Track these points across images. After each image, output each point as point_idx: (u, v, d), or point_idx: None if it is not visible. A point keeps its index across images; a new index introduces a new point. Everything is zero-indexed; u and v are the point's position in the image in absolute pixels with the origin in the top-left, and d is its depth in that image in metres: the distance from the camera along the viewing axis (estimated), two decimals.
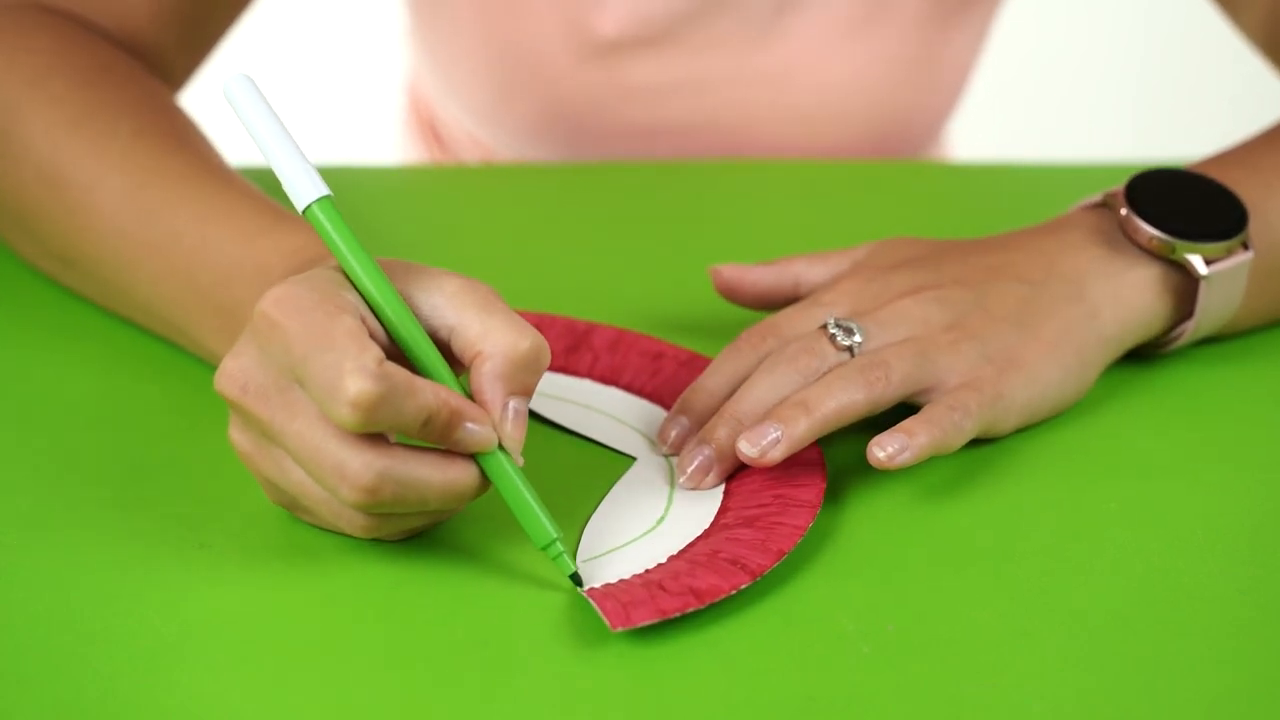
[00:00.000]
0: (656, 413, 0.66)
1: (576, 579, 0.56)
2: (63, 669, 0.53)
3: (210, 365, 0.68)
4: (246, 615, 0.55)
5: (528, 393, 0.56)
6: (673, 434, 0.63)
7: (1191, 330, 0.68)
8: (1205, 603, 0.56)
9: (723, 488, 0.61)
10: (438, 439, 0.54)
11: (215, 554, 0.58)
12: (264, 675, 0.53)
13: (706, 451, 0.61)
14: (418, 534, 0.58)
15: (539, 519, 0.56)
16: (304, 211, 0.56)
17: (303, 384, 0.53)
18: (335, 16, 2.34)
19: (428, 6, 1.01)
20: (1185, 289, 0.68)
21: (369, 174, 0.88)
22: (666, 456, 0.64)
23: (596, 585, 0.56)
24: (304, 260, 0.61)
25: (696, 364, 0.68)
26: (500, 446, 0.55)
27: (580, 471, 0.62)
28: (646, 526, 0.59)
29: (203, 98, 0.88)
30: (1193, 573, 0.58)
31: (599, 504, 0.61)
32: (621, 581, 0.56)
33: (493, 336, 0.55)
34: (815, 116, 0.99)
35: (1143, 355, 0.70)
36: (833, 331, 0.63)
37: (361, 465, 0.53)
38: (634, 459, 0.63)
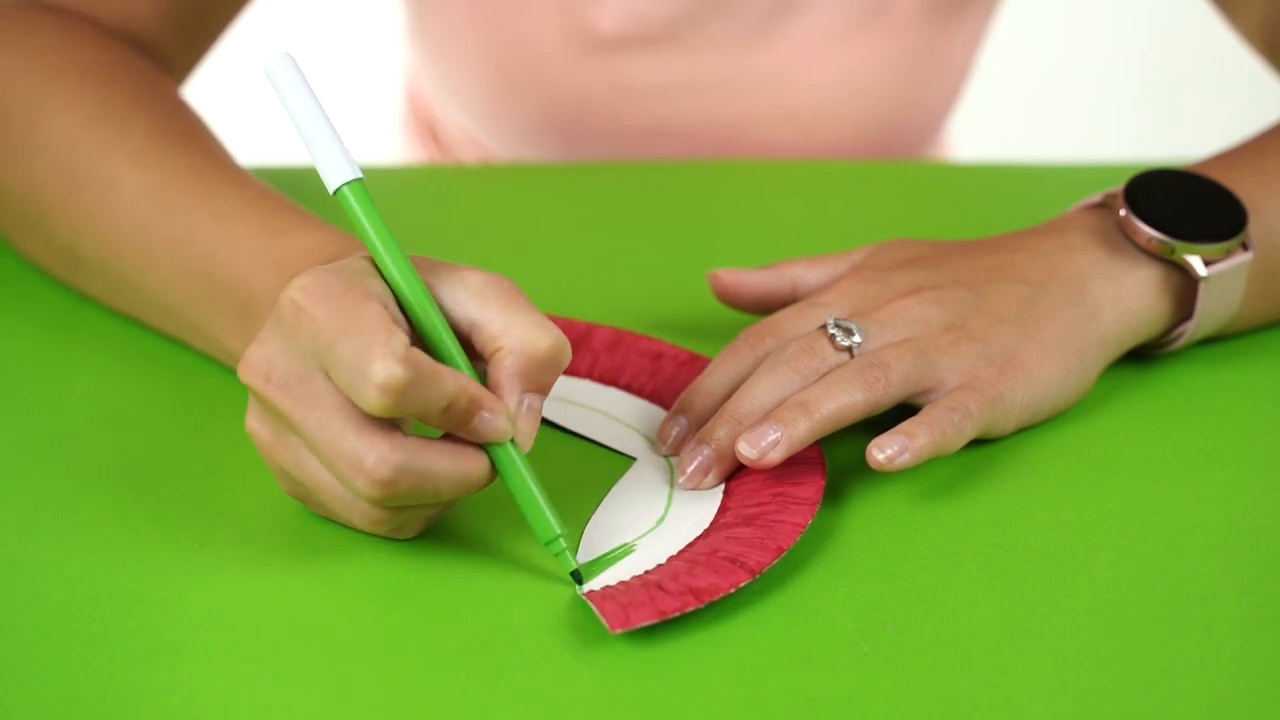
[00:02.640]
0: (656, 413, 0.66)
1: (577, 576, 0.56)
2: (63, 669, 0.53)
3: (218, 362, 0.69)
4: (247, 615, 0.56)
5: (545, 390, 0.56)
6: (672, 434, 0.63)
7: (1191, 331, 0.68)
8: (1205, 603, 0.57)
9: (722, 487, 0.61)
10: (455, 426, 0.55)
11: (215, 554, 0.58)
12: (264, 674, 0.53)
13: (706, 452, 0.61)
14: (419, 531, 0.58)
15: (544, 514, 0.56)
16: (335, 192, 0.57)
17: (330, 370, 0.54)
18: (334, 17, 2.34)
19: (426, 5, 1.01)
20: (1185, 289, 0.68)
21: (368, 174, 0.88)
22: (666, 457, 0.64)
23: (596, 587, 0.56)
24: (322, 257, 0.62)
25: (696, 364, 0.68)
26: (511, 440, 0.56)
27: (580, 472, 0.62)
28: (647, 527, 0.59)
29: (199, 97, 0.88)
30: (1193, 573, 0.58)
31: (599, 504, 0.61)
32: (621, 583, 0.56)
33: (514, 333, 0.56)
34: (813, 117, 0.99)
35: (1143, 355, 0.70)
36: (832, 332, 0.63)
37: (378, 458, 0.53)
38: (634, 459, 0.64)
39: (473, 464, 0.55)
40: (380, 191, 0.86)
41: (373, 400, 0.52)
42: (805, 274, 0.70)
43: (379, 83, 1.59)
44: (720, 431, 0.61)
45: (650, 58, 0.97)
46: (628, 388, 0.67)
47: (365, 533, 0.58)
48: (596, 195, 0.88)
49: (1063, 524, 0.60)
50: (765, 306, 0.70)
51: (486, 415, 0.55)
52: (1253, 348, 0.72)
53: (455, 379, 0.54)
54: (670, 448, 0.63)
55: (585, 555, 0.58)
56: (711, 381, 0.64)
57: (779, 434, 0.60)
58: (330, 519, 0.59)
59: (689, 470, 0.61)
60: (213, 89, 0.87)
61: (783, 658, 0.54)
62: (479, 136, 1.05)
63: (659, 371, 0.68)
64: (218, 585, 0.57)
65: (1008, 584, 0.57)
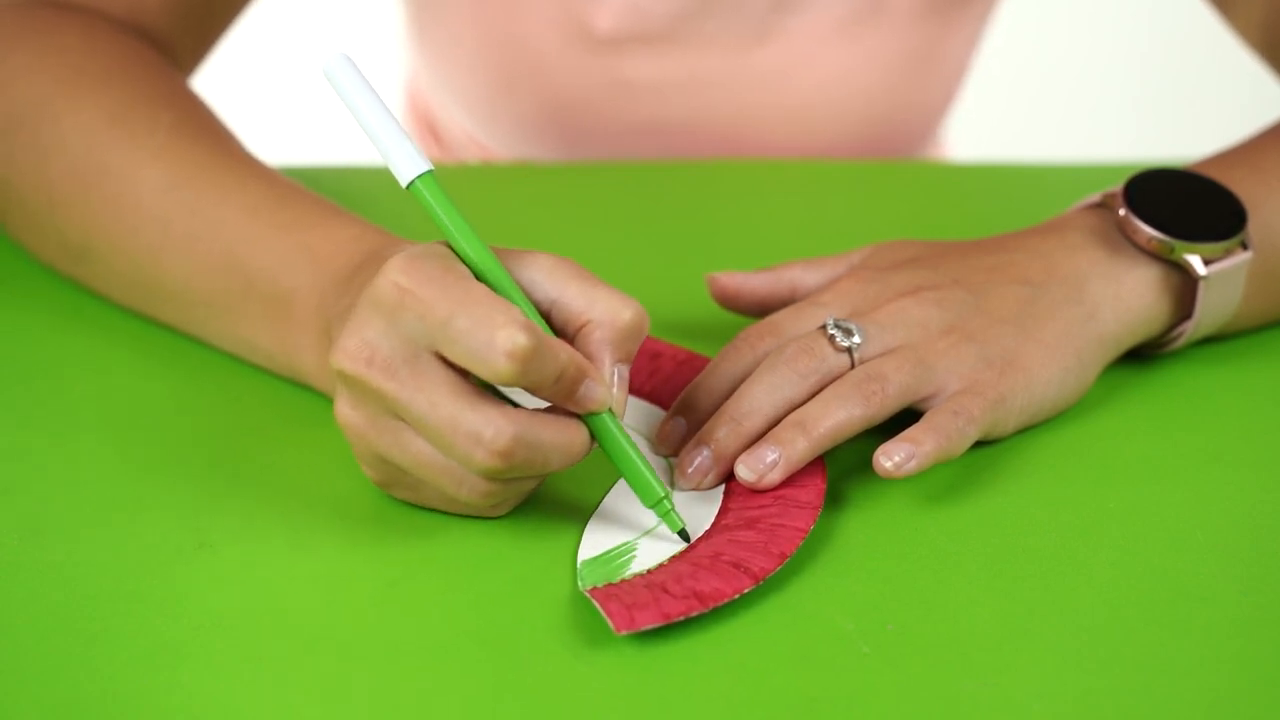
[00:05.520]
0: (655, 412, 0.66)
1: (685, 535, 0.58)
2: (63, 669, 0.53)
3: (234, 356, 0.69)
4: (247, 615, 0.56)
5: (630, 360, 0.58)
6: (672, 434, 0.63)
7: (1191, 330, 0.68)
8: (1205, 603, 0.57)
9: (722, 488, 0.61)
10: (564, 397, 0.56)
11: (215, 554, 0.58)
12: (264, 675, 0.53)
13: (705, 452, 0.61)
14: (514, 507, 0.60)
15: (646, 477, 0.58)
16: (408, 186, 0.58)
17: (445, 345, 0.55)
18: (334, 17, 2.34)
19: (425, 3, 1.01)
20: (1184, 289, 0.68)
21: (368, 174, 0.88)
22: (666, 457, 0.64)
23: (599, 586, 0.56)
24: (360, 251, 0.63)
25: (695, 364, 0.68)
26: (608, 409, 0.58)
27: (580, 471, 0.62)
28: (647, 526, 0.59)
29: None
30: (1193, 573, 0.58)
31: (599, 504, 0.61)
32: (624, 582, 0.56)
33: (599, 306, 0.58)
34: (812, 114, 0.99)
35: (1142, 355, 0.70)
36: (831, 332, 0.63)
37: (495, 431, 0.55)
38: None
39: (576, 434, 0.57)
40: (381, 191, 0.87)
41: (502, 367, 0.54)
42: (804, 276, 0.70)
43: (379, 83, 1.59)
44: (720, 432, 0.61)
45: (649, 55, 0.97)
46: None
47: (462, 513, 0.59)
48: (596, 195, 0.88)
49: (1063, 524, 0.60)
50: (764, 309, 0.70)
51: (590, 385, 0.56)
52: (1253, 348, 0.72)
53: (565, 349, 0.56)
54: (670, 448, 0.63)
55: (585, 555, 0.58)
56: (711, 382, 0.64)
57: (777, 455, 0.60)
58: (419, 504, 0.60)
59: (689, 471, 0.61)
60: (213, 89, 0.87)
61: (783, 658, 0.54)
62: (478, 135, 1.05)
63: (658, 371, 0.68)
64: (218, 585, 0.57)
65: (1008, 584, 0.57)
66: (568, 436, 0.56)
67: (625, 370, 0.58)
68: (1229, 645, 0.55)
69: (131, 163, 0.70)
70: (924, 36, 0.98)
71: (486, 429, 0.55)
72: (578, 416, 0.57)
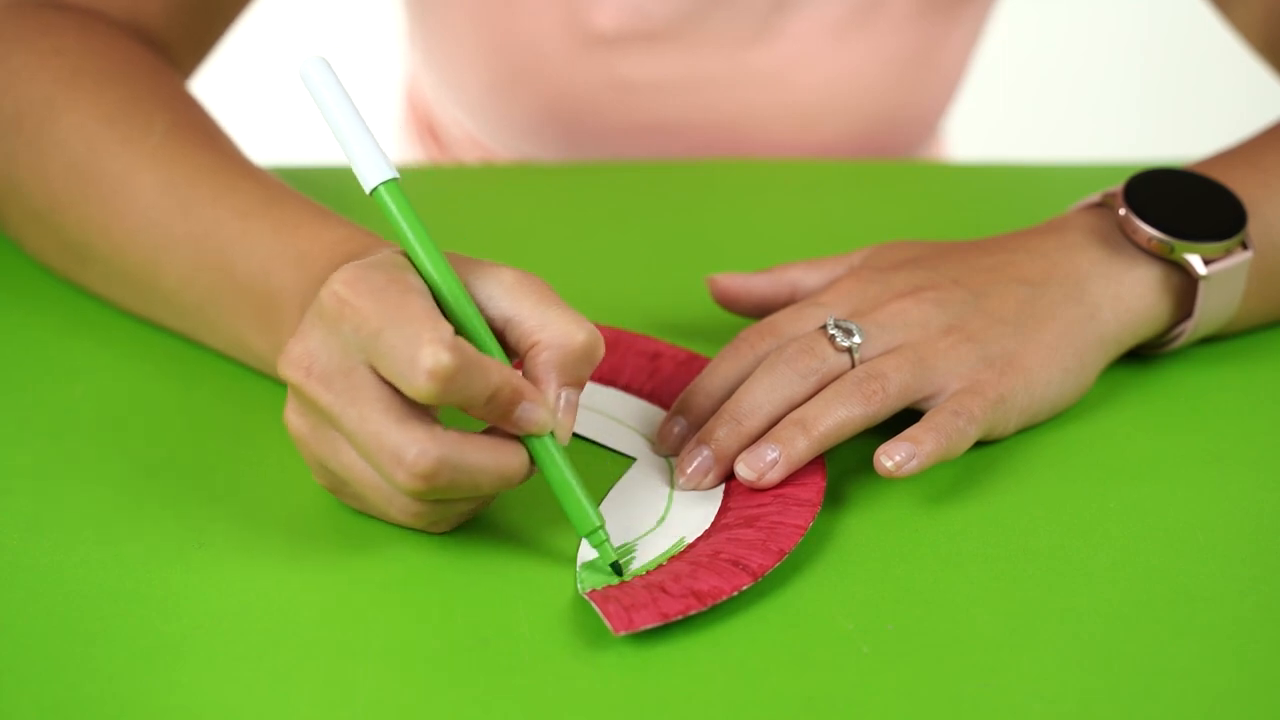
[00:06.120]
0: (655, 413, 0.66)
1: (617, 568, 0.57)
2: (63, 669, 0.53)
3: (231, 359, 0.69)
4: (246, 615, 0.56)
5: (580, 384, 0.57)
6: (672, 434, 0.63)
7: (1191, 330, 0.68)
8: (1205, 603, 0.57)
9: (723, 487, 0.61)
10: (497, 417, 0.55)
11: (215, 554, 0.58)
12: (264, 675, 0.53)
13: (705, 452, 0.61)
14: (454, 526, 0.59)
15: (583, 506, 0.57)
16: (371, 192, 0.58)
17: (375, 359, 0.54)
18: (334, 17, 2.34)
19: (425, 3, 1.01)
20: (1184, 289, 0.68)
21: None
22: (666, 456, 0.64)
23: (597, 588, 0.56)
24: (346, 252, 0.63)
25: (694, 364, 0.68)
26: (550, 433, 0.56)
27: (580, 472, 0.62)
28: (646, 527, 0.59)
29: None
30: (1193, 573, 0.58)
31: (599, 504, 0.61)
32: (623, 583, 0.56)
33: (551, 328, 0.56)
34: (811, 113, 0.99)
35: (1142, 355, 0.70)
36: (832, 332, 0.63)
37: (418, 452, 0.54)
38: (634, 459, 0.63)
39: (512, 457, 0.56)
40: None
41: (422, 386, 0.53)
42: (804, 278, 0.70)
43: (379, 83, 1.59)
44: (720, 432, 0.61)
45: (650, 54, 0.97)
46: (626, 388, 0.67)
47: (400, 526, 0.58)
48: (596, 195, 0.88)
49: (1063, 524, 0.60)
50: (764, 311, 0.70)
51: (528, 406, 0.55)
52: (1253, 348, 0.72)
53: (499, 369, 0.55)
54: (670, 447, 0.63)
55: (585, 558, 0.58)
56: (711, 382, 0.64)
57: (777, 454, 0.60)
58: (365, 512, 0.59)
59: (689, 471, 0.61)
60: (211, 90, 0.87)
61: (783, 658, 0.54)
62: (478, 135, 1.05)
63: (658, 371, 0.68)
64: (218, 585, 0.57)
65: (1008, 584, 0.57)
66: (501, 459, 0.55)
67: (574, 395, 0.57)
68: (1229, 645, 0.55)
69: (128, 164, 0.70)
70: (923, 36, 0.98)
71: (410, 449, 0.54)
72: (517, 439, 0.56)
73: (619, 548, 0.58)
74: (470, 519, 0.59)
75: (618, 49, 0.96)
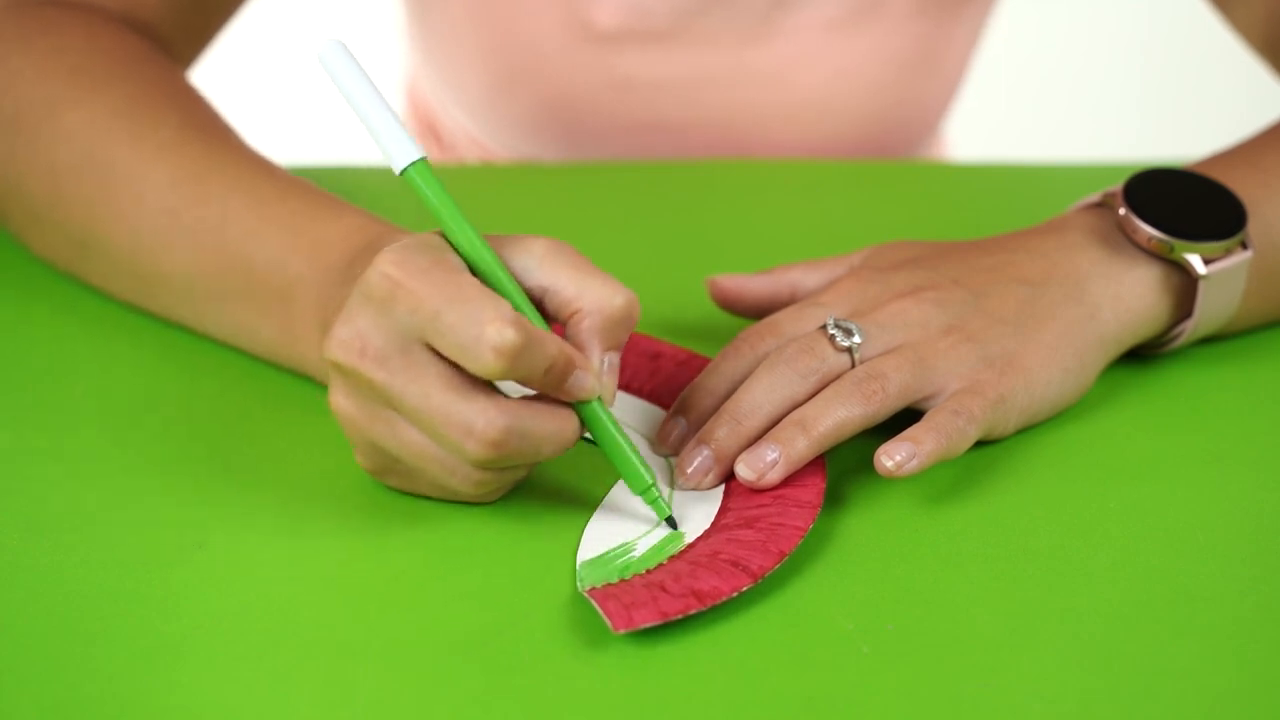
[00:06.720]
0: (655, 412, 0.66)
1: (672, 521, 0.58)
2: (63, 669, 0.53)
3: (236, 349, 0.69)
4: (246, 615, 0.56)
5: (619, 348, 0.59)
6: (672, 434, 0.63)
7: (1191, 330, 0.68)
8: (1205, 603, 0.57)
9: (723, 487, 0.61)
10: (553, 386, 0.57)
11: (214, 553, 0.58)
12: (264, 675, 0.53)
13: (705, 452, 0.61)
14: (505, 493, 0.60)
15: (634, 465, 0.58)
16: (401, 173, 0.58)
17: (434, 338, 0.55)
18: (334, 17, 2.34)
19: (425, 2, 1.01)
20: (1184, 289, 0.68)
21: (369, 174, 0.88)
22: (666, 456, 0.64)
23: (598, 586, 0.56)
24: (362, 239, 0.63)
25: (695, 364, 0.68)
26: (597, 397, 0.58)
27: (580, 471, 0.62)
28: (646, 527, 0.59)
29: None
30: (1193, 573, 0.58)
31: (599, 504, 0.61)
32: (623, 582, 0.56)
33: (589, 294, 0.58)
34: (811, 112, 0.99)
35: (1142, 355, 0.70)
36: (832, 332, 0.63)
37: (486, 422, 0.55)
38: None
39: (568, 422, 0.57)
40: (381, 191, 0.87)
41: (490, 362, 0.54)
42: (804, 278, 0.70)
43: (379, 83, 1.59)
44: (720, 431, 0.61)
45: (649, 52, 0.97)
46: (626, 387, 0.67)
47: (451, 500, 0.60)
48: (597, 195, 0.88)
49: (1063, 524, 0.60)
50: (765, 312, 0.70)
51: (579, 374, 0.57)
52: (1253, 348, 0.72)
53: (555, 341, 0.56)
54: (670, 447, 0.63)
55: (585, 556, 0.58)
56: (711, 381, 0.64)
57: (777, 454, 0.60)
58: (409, 492, 0.60)
59: (689, 470, 0.61)
60: (211, 87, 0.87)
61: (783, 658, 0.54)
62: (478, 135, 1.05)
63: (658, 371, 0.68)
64: (217, 584, 0.57)
65: (1008, 584, 0.57)
66: (558, 425, 0.57)
67: (616, 358, 0.58)
68: (1229, 645, 0.55)
69: (138, 157, 0.70)
70: (923, 35, 0.98)
71: (478, 420, 0.55)
72: (568, 405, 0.58)
73: (618, 548, 0.58)
74: (518, 484, 0.61)
75: (617, 48, 0.96)
